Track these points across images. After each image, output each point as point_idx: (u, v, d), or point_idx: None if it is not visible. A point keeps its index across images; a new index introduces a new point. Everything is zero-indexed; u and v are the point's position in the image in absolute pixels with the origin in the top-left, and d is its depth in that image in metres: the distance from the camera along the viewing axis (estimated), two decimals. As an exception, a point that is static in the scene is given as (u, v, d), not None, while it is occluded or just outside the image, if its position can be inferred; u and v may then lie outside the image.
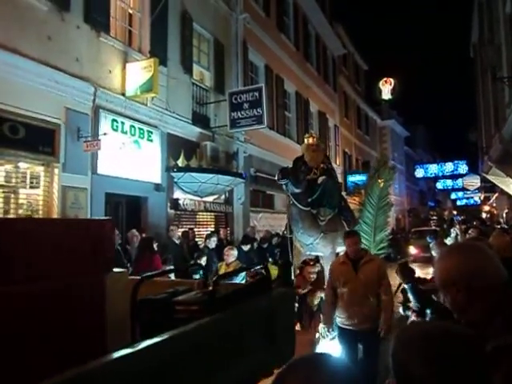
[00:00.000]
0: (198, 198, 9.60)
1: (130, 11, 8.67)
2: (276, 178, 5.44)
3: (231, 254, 6.09)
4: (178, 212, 9.32)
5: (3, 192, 6.24)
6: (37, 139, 6.29)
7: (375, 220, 6.85)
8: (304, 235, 5.69)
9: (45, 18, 6.51)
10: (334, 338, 4.38)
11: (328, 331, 4.26)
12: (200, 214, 10.29)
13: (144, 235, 7.26)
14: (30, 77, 6.12)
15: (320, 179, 5.75)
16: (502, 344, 1.17)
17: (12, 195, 6.27)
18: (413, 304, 4.29)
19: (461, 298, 1.32)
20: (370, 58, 32.62)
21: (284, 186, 5.49)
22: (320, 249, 5.67)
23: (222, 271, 5.81)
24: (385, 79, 29.39)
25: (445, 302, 2.69)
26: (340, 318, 4.23)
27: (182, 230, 8.58)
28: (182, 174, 8.84)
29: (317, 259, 5.26)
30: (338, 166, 19.05)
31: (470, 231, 6.67)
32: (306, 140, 6.26)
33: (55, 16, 6.69)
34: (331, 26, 19.87)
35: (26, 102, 6.05)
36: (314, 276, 4.87)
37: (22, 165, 6.37)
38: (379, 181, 6.96)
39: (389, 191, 7.27)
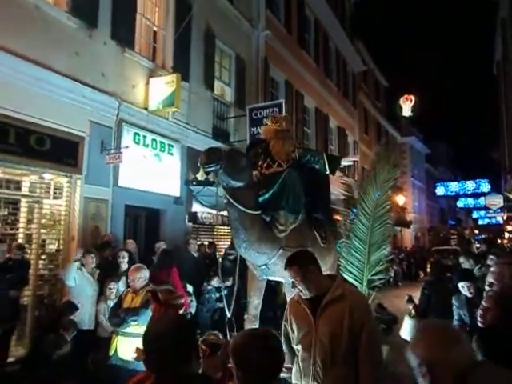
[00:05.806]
0: (216, 212, 9.63)
1: (155, 28, 8.89)
2: (199, 163, 3.62)
3: (139, 277, 4.01)
4: (196, 225, 9.37)
5: (27, 202, 6.39)
6: (61, 151, 6.45)
7: (370, 234, 4.89)
8: (250, 252, 3.86)
9: (74, 35, 6.73)
10: None
11: None
12: (218, 227, 10.31)
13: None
14: (58, 91, 6.31)
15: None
16: None
17: (36, 205, 6.41)
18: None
19: (427, 379, 1.40)
20: (390, 73, 32.56)
21: (213, 176, 3.75)
22: (279, 272, 3.74)
23: (127, 302, 4.04)
24: (405, 96, 29.24)
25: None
26: None
27: (199, 243, 8.56)
28: (201, 187, 8.89)
29: (215, 346, 2.97)
30: (355, 181, 18.87)
31: (488, 259, 6.10)
32: (270, 122, 4.56)
33: (83, 32, 6.91)
34: (351, 42, 19.98)
35: (53, 114, 6.23)
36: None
37: (47, 176, 6.52)
38: (376, 182, 4.88)
39: (390, 196, 5.09)
